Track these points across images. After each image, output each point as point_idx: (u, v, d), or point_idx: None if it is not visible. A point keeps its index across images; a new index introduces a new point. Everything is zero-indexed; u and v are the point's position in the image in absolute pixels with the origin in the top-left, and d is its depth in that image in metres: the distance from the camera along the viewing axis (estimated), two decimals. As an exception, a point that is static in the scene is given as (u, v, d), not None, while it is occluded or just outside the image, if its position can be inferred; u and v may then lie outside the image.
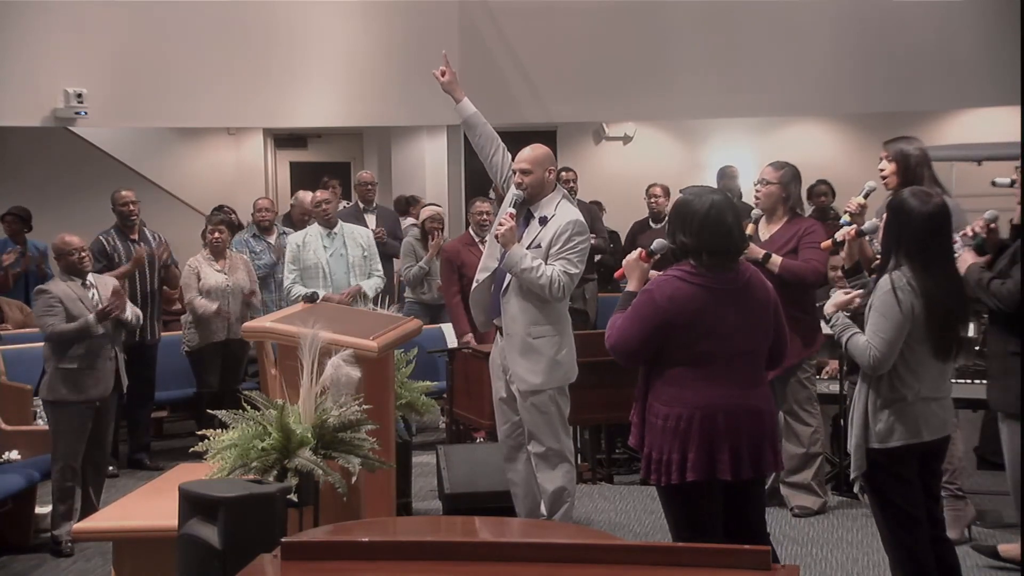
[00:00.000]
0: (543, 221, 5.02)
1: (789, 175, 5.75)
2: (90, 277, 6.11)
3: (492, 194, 8.17)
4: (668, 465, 3.77)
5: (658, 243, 4.11)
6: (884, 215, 4.14)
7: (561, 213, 5.02)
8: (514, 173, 5.04)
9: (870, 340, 3.93)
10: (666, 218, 8.76)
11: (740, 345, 3.82)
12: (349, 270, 7.35)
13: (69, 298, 5.90)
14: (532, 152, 5.05)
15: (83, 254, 6.06)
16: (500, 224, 4.97)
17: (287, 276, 7.36)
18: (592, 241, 8.88)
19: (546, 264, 4.92)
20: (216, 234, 7.72)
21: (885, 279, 3.95)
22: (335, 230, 7.42)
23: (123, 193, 7.67)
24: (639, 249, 4.06)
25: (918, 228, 3.94)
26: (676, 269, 3.86)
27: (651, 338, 3.80)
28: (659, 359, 3.83)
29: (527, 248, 4.97)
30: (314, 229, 7.47)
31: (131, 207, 7.60)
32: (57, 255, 6.08)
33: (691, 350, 3.77)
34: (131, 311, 6.10)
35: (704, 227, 3.80)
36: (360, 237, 7.53)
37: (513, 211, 4.99)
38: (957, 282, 4.10)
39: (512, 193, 5.04)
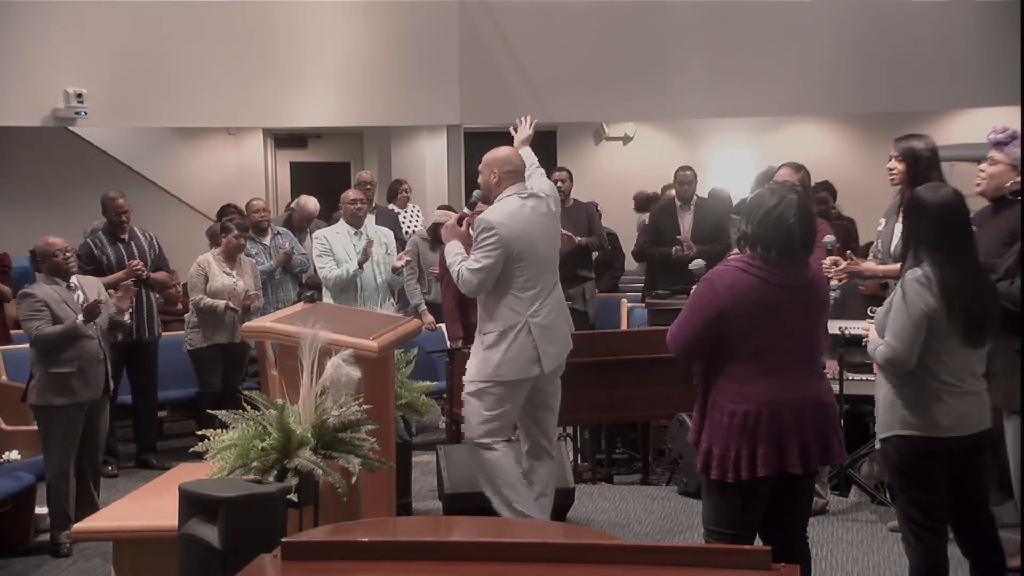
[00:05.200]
0: None
1: (807, 176, 5.85)
2: (74, 279, 6.02)
3: None
4: (736, 461, 3.75)
5: (696, 264, 4.28)
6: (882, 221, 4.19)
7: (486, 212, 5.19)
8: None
9: (887, 340, 4.00)
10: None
11: (801, 340, 3.82)
12: (375, 268, 7.38)
13: (54, 300, 5.82)
14: (486, 154, 5.25)
15: (67, 255, 5.95)
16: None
17: (322, 268, 7.35)
18: (591, 240, 9.04)
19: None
20: (241, 240, 7.71)
21: (904, 279, 4.00)
22: (361, 229, 7.47)
23: (119, 202, 7.53)
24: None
25: (934, 220, 3.99)
26: (738, 260, 3.85)
27: (709, 327, 3.78)
28: (720, 354, 3.81)
29: None
30: (341, 227, 7.52)
31: (124, 217, 7.54)
32: (41, 257, 5.97)
33: (751, 343, 3.76)
34: (129, 316, 6.13)
35: (766, 221, 3.80)
36: (383, 236, 7.59)
37: (467, 210, 5.27)
38: (980, 270, 4.10)
39: (473, 193, 5.32)
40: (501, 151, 5.22)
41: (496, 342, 5.06)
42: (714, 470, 3.78)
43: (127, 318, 6.17)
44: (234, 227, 7.72)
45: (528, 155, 5.42)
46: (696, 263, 4.45)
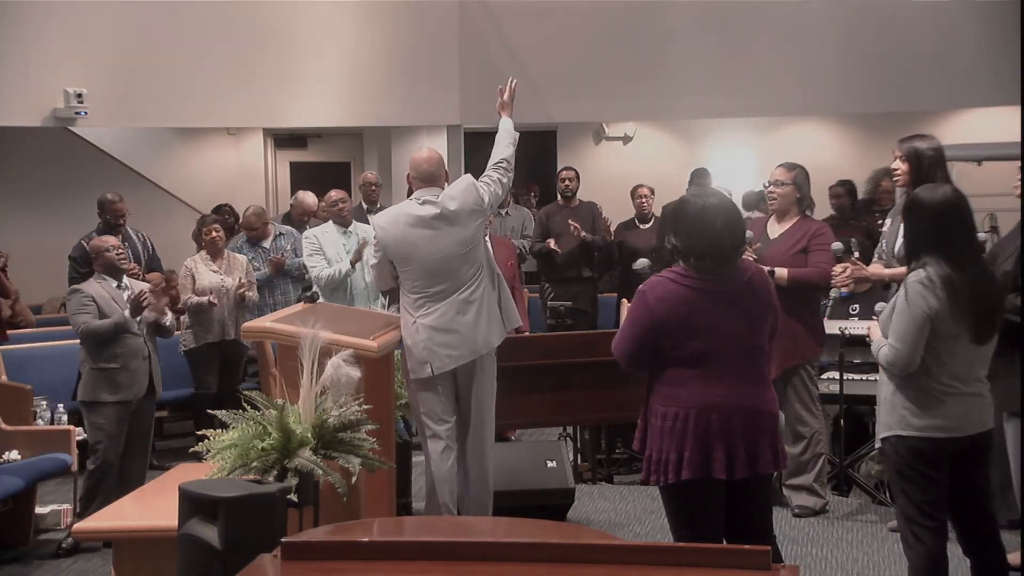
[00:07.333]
0: None
1: (802, 175, 5.81)
2: (126, 279, 6.12)
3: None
4: (665, 465, 3.78)
5: (640, 263, 4.28)
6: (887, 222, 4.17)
7: None
8: None
9: (890, 342, 3.98)
10: (652, 218, 8.91)
11: (738, 345, 3.81)
12: (363, 268, 7.38)
13: (102, 298, 5.93)
14: None
15: (120, 252, 6.08)
16: None
17: (314, 267, 7.36)
18: (597, 239, 9.03)
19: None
20: (213, 234, 7.70)
21: (907, 280, 3.99)
22: (350, 229, 7.47)
23: (118, 205, 7.65)
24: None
25: (934, 219, 3.97)
26: (669, 271, 3.87)
27: (645, 339, 3.81)
28: (658, 361, 3.83)
29: None
30: (330, 227, 7.52)
31: (122, 220, 7.65)
32: (95, 254, 6.10)
33: (685, 350, 3.77)
34: (169, 315, 6.16)
35: (692, 230, 3.80)
36: (368, 235, 7.57)
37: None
38: (984, 267, 4.09)
39: None
40: (416, 155, 5.31)
41: (403, 341, 5.15)
42: (652, 475, 3.82)
43: (167, 318, 6.17)
44: (204, 224, 7.77)
45: (506, 129, 5.42)
46: (640, 262, 4.47)
